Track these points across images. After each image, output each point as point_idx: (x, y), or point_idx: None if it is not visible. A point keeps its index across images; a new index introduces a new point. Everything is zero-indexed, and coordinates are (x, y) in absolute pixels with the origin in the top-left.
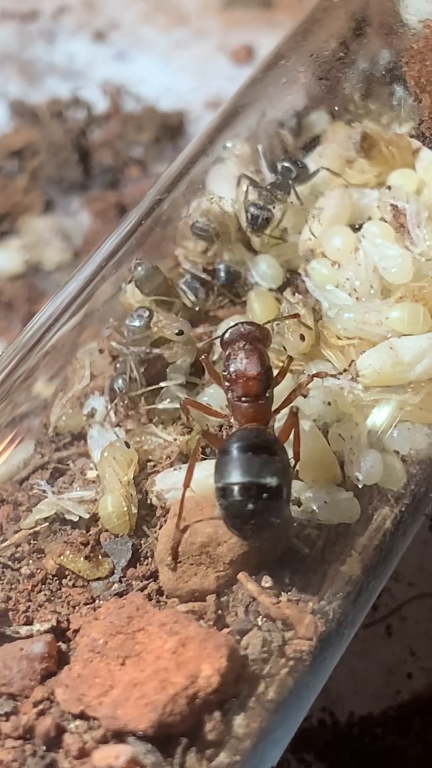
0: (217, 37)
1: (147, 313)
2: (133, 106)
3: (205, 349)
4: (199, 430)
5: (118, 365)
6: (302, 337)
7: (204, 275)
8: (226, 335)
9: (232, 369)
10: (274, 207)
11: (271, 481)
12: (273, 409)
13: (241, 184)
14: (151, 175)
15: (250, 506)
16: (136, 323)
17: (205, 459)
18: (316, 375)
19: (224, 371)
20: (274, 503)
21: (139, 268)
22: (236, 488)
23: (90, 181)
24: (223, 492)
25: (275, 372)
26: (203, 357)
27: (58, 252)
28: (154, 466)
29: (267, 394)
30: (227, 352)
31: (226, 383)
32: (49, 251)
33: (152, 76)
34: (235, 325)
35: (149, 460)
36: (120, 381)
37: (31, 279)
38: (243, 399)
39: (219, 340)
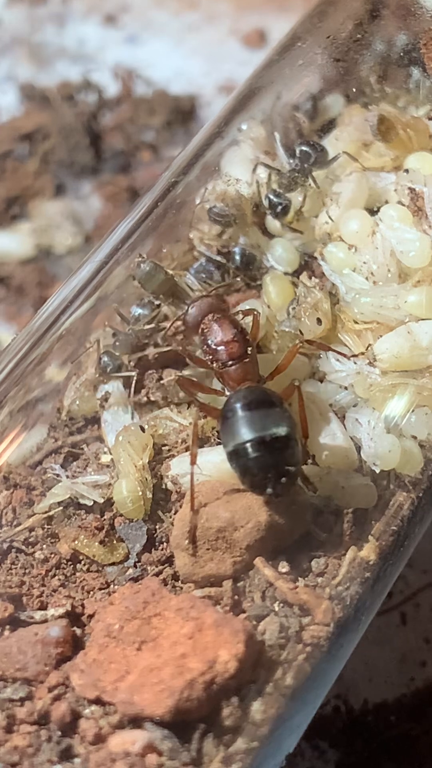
0: (229, 20)
1: (156, 304)
2: (144, 89)
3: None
4: (197, 404)
5: (117, 343)
6: (319, 321)
7: (219, 258)
8: (189, 319)
9: (210, 342)
10: (295, 192)
11: (279, 430)
12: (264, 372)
13: (258, 170)
14: (162, 159)
15: (265, 460)
16: (141, 311)
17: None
18: (308, 342)
19: (203, 348)
20: (287, 451)
21: (142, 266)
22: (248, 446)
23: (101, 165)
24: (236, 454)
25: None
26: (181, 348)
27: (68, 236)
28: (169, 450)
29: (249, 352)
30: (201, 331)
31: (209, 357)
32: (59, 235)
33: (163, 59)
34: (190, 307)
35: (164, 445)
36: (107, 358)
37: (42, 263)
38: (229, 363)
39: (184, 328)
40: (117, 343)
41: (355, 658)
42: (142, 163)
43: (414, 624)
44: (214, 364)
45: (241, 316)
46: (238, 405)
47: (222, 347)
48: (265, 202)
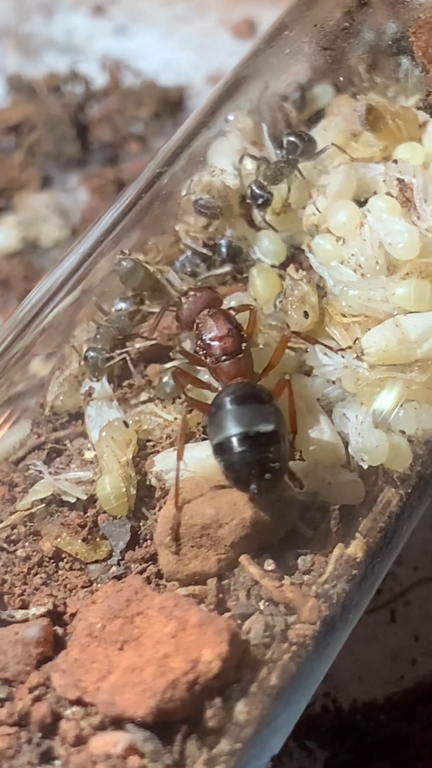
0: (219, 11)
1: (136, 300)
2: (132, 80)
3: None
4: (187, 398)
5: (98, 336)
6: (306, 315)
7: (205, 251)
8: (184, 314)
9: (205, 337)
10: (281, 184)
11: (266, 426)
12: (258, 369)
13: (245, 162)
14: (150, 150)
15: (250, 455)
16: (124, 305)
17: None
18: (295, 334)
19: (197, 343)
20: (273, 447)
21: (123, 263)
22: (233, 440)
23: (88, 157)
24: (221, 447)
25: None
26: (178, 348)
27: (55, 229)
28: (154, 446)
29: (243, 348)
30: (196, 325)
31: (203, 352)
32: (46, 228)
33: (152, 50)
34: (183, 300)
35: (149, 440)
36: (92, 352)
37: (28, 257)
38: (222, 359)
39: (177, 322)
40: (98, 336)
41: (345, 656)
42: (129, 155)
43: (404, 621)
44: (208, 359)
45: (234, 312)
46: (227, 399)
47: (216, 342)
48: (248, 193)
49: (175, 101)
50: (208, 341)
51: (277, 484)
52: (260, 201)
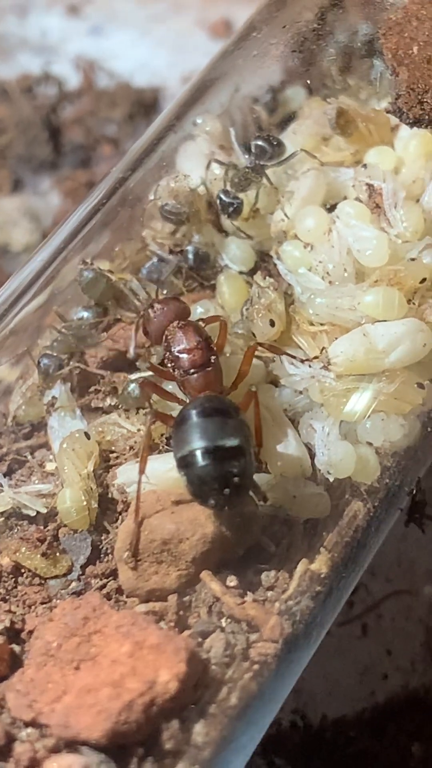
0: (195, 10)
1: (99, 311)
2: (106, 82)
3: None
4: (151, 410)
5: (54, 344)
6: (272, 323)
7: (171, 257)
8: (152, 325)
9: (174, 349)
10: (248, 190)
11: (231, 441)
12: (227, 383)
13: (212, 167)
14: (123, 153)
15: (213, 469)
16: (85, 314)
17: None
18: (259, 345)
19: (166, 355)
20: (237, 462)
21: (84, 273)
22: (196, 454)
23: (60, 160)
24: (184, 461)
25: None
26: (147, 363)
27: (26, 233)
28: (117, 457)
29: (212, 361)
30: (165, 338)
31: (171, 364)
32: (16, 232)
33: (127, 51)
34: (150, 313)
35: (112, 451)
36: (46, 359)
37: None
38: (191, 372)
39: (144, 333)
40: (55, 344)
41: (314, 670)
42: (102, 157)
43: (376, 635)
44: (176, 372)
45: (203, 324)
46: (192, 412)
47: (185, 355)
48: (217, 203)
49: (150, 103)
50: (177, 354)
51: (240, 501)
52: (230, 209)
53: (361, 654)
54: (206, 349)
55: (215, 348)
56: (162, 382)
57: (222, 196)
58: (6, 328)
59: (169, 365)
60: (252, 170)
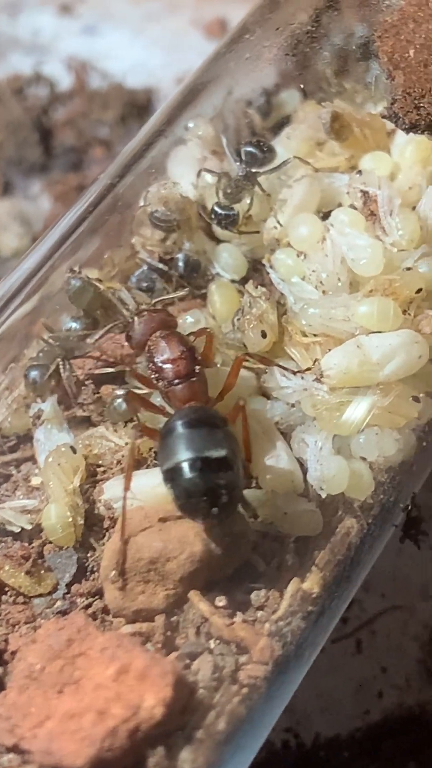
0: (190, 10)
1: (87, 321)
2: (99, 82)
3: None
4: (137, 424)
5: (40, 354)
6: (263, 334)
7: (161, 266)
8: (135, 335)
9: (157, 359)
10: (241, 200)
11: (218, 452)
12: (213, 394)
13: (203, 175)
14: (116, 156)
15: (201, 482)
16: (74, 325)
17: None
18: (249, 355)
19: (149, 365)
20: (225, 475)
21: (72, 282)
22: (183, 466)
23: (51, 163)
24: (171, 474)
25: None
26: (130, 369)
27: (15, 238)
28: (104, 471)
29: (197, 371)
30: (147, 348)
31: (155, 375)
32: (6, 237)
33: (121, 50)
34: (135, 321)
35: (99, 465)
36: (35, 372)
37: None
38: (175, 382)
39: (127, 342)
40: (41, 354)
41: (308, 688)
42: (94, 160)
43: (370, 652)
44: (160, 383)
45: (192, 338)
46: (178, 423)
47: (169, 365)
48: (213, 217)
49: (143, 104)
50: (160, 364)
51: (230, 514)
52: (226, 222)
53: (355, 671)
54: (190, 359)
55: (200, 358)
56: (149, 394)
57: (216, 209)
58: None
59: (153, 376)
60: (244, 178)
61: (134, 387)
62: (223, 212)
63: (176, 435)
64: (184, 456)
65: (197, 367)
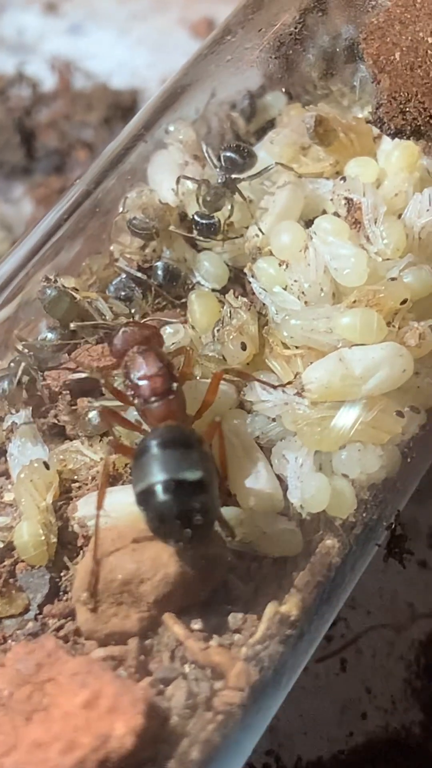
0: (177, 9)
1: (64, 332)
2: (84, 83)
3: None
4: (111, 440)
5: (11, 365)
6: (243, 346)
7: (140, 275)
8: (113, 349)
9: (132, 376)
10: (222, 207)
11: (192, 474)
12: (190, 412)
13: (182, 182)
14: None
15: (175, 505)
16: (49, 335)
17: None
18: (227, 371)
19: (125, 382)
20: (200, 497)
21: (47, 291)
22: (157, 488)
23: (33, 165)
24: (144, 496)
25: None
26: (104, 381)
27: None
28: (80, 487)
29: (173, 389)
30: (124, 363)
31: (131, 392)
32: None
33: (106, 50)
34: (114, 336)
35: (74, 481)
36: (6, 382)
37: None
38: (151, 400)
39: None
40: (12, 364)
41: (290, 708)
42: (77, 163)
43: (355, 671)
44: (136, 400)
45: (171, 356)
46: (152, 443)
47: (145, 382)
48: (194, 226)
49: (128, 105)
50: (136, 381)
51: (204, 538)
52: (208, 231)
53: (339, 691)
54: (167, 376)
55: (178, 376)
56: (126, 409)
57: (197, 218)
58: None
59: (129, 392)
60: (223, 185)
61: (109, 402)
62: (203, 221)
63: (150, 455)
64: (157, 478)
65: (174, 385)
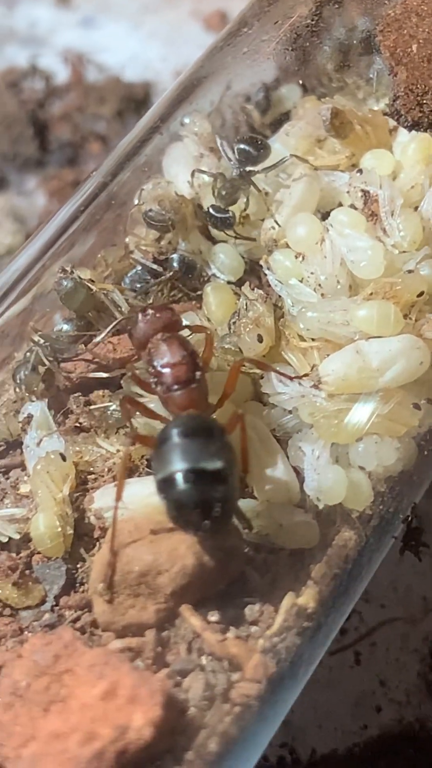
0: (190, 1)
1: (80, 324)
2: (96, 75)
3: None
4: (130, 432)
5: (27, 354)
6: (260, 338)
7: (155, 266)
8: (136, 335)
9: (156, 363)
10: (237, 200)
11: (213, 464)
12: (213, 401)
13: (197, 177)
14: (112, 151)
15: (195, 493)
16: (65, 326)
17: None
18: (246, 360)
19: (148, 369)
20: (220, 487)
21: (63, 283)
22: (176, 477)
23: (46, 158)
24: (164, 484)
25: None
26: (129, 373)
27: (8, 235)
28: (96, 479)
29: (197, 378)
30: (148, 350)
31: (154, 379)
32: None
33: (119, 43)
34: (139, 319)
35: (90, 473)
36: (22, 372)
37: None
38: (174, 388)
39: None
40: (27, 354)
41: (304, 701)
42: (90, 155)
43: (369, 665)
44: (159, 388)
45: (189, 332)
46: (174, 431)
47: (168, 370)
48: (208, 219)
49: (141, 98)
50: (160, 368)
51: (223, 527)
52: (223, 225)
53: (353, 685)
54: (191, 364)
55: (201, 364)
56: (148, 400)
57: (212, 212)
58: None
59: (151, 380)
60: (239, 177)
61: (131, 392)
62: (218, 215)
63: (171, 444)
64: (178, 466)
65: (198, 374)
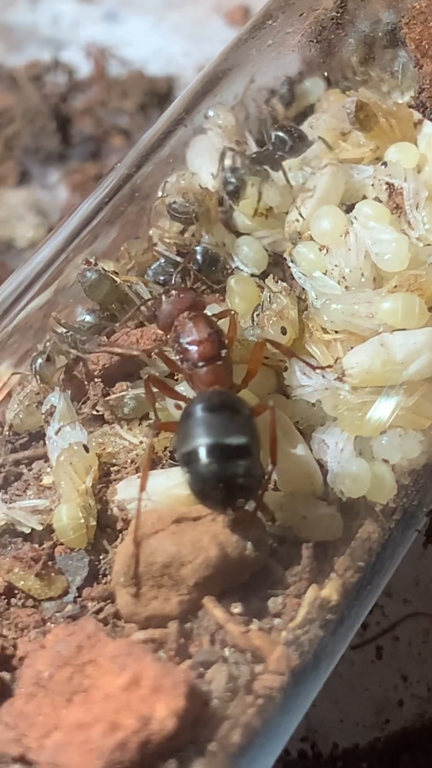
0: None
1: (102, 315)
2: (119, 70)
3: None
4: (154, 422)
5: (46, 344)
6: (284, 330)
7: (179, 259)
8: (162, 314)
9: (182, 340)
10: (256, 174)
11: (237, 439)
12: (237, 380)
13: (226, 160)
14: (135, 144)
15: (218, 468)
16: (88, 318)
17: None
18: (270, 342)
19: (174, 346)
20: (242, 463)
21: (87, 274)
22: (200, 451)
23: (69, 152)
24: (187, 458)
25: None
26: (157, 350)
27: (31, 228)
28: (118, 471)
29: (222, 355)
30: (174, 328)
31: (180, 356)
32: (22, 227)
33: (142, 38)
34: (164, 299)
35: (113, 464)
36: (39, 360)
37: (2, 257)
38: (200, 365)
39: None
40: (47, 344)
41: (326, 696)
42: (113, 149)
43: (391, 659)
44: (184, 365)
45: (215, 319)
46: (199, 406)
47: (194, 347)
48: (222, 179)
49: (163, 92)
50: (186, 345)
51: (245, 503)
52: (231, 188)
53: (375, 679)
54: (217, 341)
55: (226, 342)
56: (170, 381)
57: (227, 175)
58: (9, 326)
59: (177, 358)
60: (266, 159)
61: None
62: (230, 177)
63: (196, 418)
64: (201, 441)
65: (223, 351)
